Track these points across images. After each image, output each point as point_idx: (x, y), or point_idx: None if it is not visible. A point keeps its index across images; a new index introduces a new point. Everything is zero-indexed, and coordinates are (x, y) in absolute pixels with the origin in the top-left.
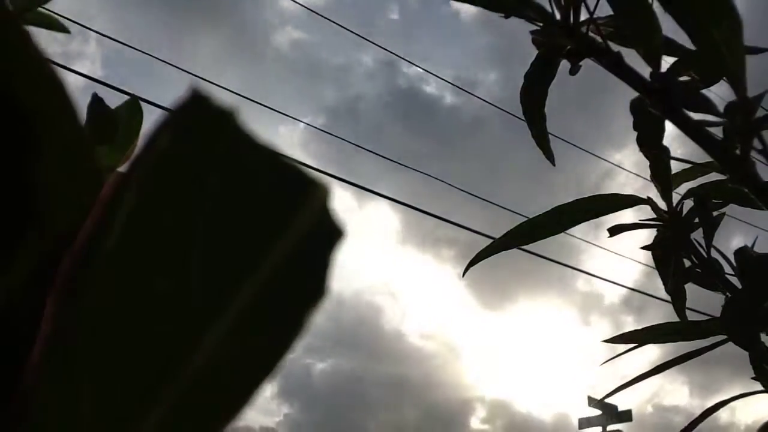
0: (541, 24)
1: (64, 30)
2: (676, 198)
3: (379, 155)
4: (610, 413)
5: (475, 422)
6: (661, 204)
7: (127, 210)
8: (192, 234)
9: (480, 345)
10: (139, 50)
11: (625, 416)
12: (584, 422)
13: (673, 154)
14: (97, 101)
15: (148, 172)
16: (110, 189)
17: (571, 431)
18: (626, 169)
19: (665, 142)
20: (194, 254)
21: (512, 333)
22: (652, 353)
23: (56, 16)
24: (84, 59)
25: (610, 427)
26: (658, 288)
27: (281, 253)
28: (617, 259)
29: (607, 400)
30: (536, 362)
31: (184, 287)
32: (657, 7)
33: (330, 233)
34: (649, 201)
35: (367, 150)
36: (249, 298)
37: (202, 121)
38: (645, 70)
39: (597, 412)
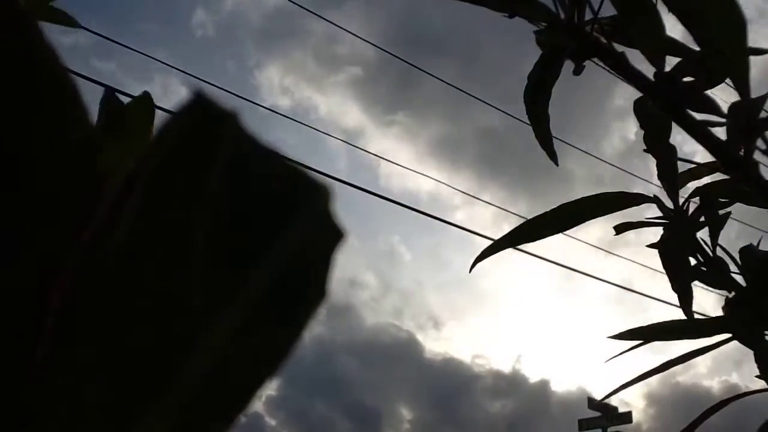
0: (545, 24)
1: (74, 25)
2: (682, 197)
3: None
4: (611, 415)
5: None
6: (668, 203)
7: (131, 210)
8: (195, 235)
9: None
10: (137, 51)
11: (626, 418)
12: (584, 424)
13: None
14: (110, 96)
15: (152, 173)
16: (116, 189)
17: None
18: (623, 169)
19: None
20: (197, 254)
21: None
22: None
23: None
24: None
25: (610, 429)
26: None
27: (283, 254)
28: None
29: (607, 402)
30: None
31: (187, 287)
32: (661, 8)
33: (331, 235)
34: (655, 199)
35: None
36: (250, 298)
37: (205, 123)
38: (649, 71)
39: (597, 413)
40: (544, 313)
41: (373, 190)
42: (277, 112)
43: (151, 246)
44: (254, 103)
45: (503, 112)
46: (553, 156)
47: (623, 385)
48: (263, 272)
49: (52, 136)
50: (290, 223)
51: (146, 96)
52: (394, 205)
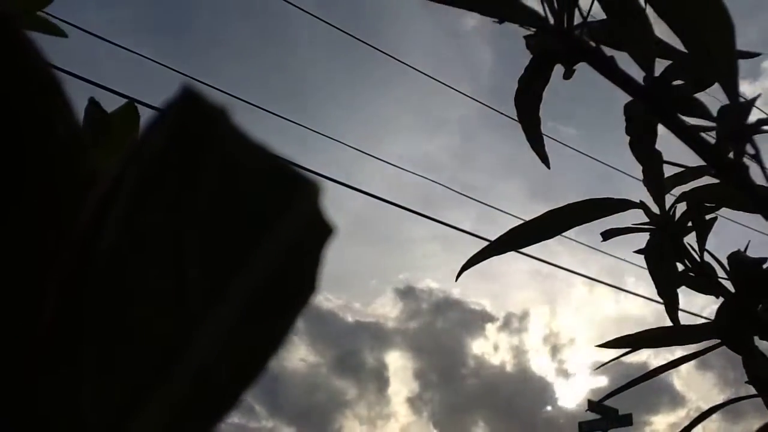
0: (535, 29)
1: (62, 34)
2: (669, 201)
3: None
4: (611, 417)
5: None
6: (654, 208)
7: (122, 209)
8: (186, 232)
9: None
10: (134, 51)
11: (626, 420)
12: (585, 426)
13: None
14: (93, 105)
15: (142, 171)
16: (105, 188)
17: None
18: (621, 170)
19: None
20: (188, 252)
21: None
22: None
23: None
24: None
25: None
26: None
27: (274, 250)
28: None
29: (607, 404)
30: None
31: (180, 285)
32: (650, 11)
33: (320, 230)
34: (641, 205)
35: None
36: (243, 294)
37: (195, 119)
38: (639, 74)
39: (597, 416)
40: None
41: (369, 190)
42: None
43: (142, 245)
44: None
45: (498, 111)
46: (544, 159)
47: (618, 389)
48: (255, 269)
49: (38, 135)
50: (281, 220)
51: (130, 105)
52: None
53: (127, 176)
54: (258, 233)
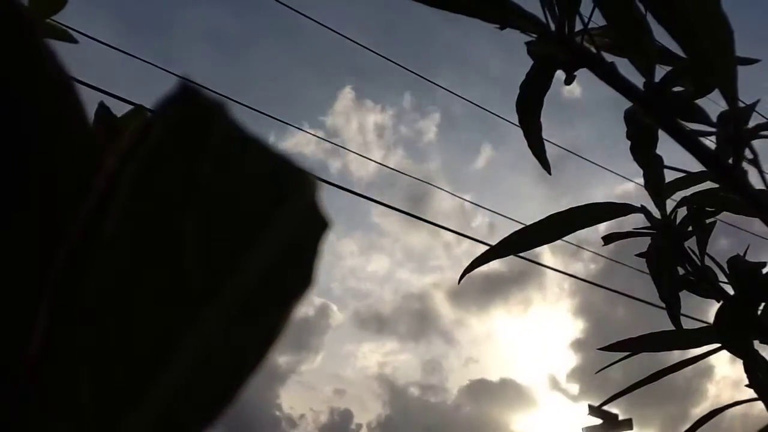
0: (537, 35)
1: (72, 40)
2: (670, 206)
3: None
4: (612, 422)
5: None
6: (655, 212)
7: (122, 201)
8: (185, 226)
9: None
10: (138, 58)
11: (626, 425)
12: None
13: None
14: (103, 109)
15: (141, 165)
16: (106, 181)
17: None
18: (621, 174)
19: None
20: (187, 245)
21: None
22: None
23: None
24: None
25: None
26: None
27: (271, 244)
28: None
29: (607, 409)
30: None
31: (178, 277)
32: (650, 18)
33: (317, 224)
34: (642, 209)
35: None
36: (241, 286)
37: (192, 114)
38: (639, 80)
39: (599, 421)
40: None
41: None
42: None
43: (141, 239)
44: None
45: (497, 116)
46: (545, 164)
47: (619, 393)
48: (252, 262)
49: (50, 135)
50: (278, 214)
51: (140, 109)
52: None
53: (128, 169)
54: (255, 227)
